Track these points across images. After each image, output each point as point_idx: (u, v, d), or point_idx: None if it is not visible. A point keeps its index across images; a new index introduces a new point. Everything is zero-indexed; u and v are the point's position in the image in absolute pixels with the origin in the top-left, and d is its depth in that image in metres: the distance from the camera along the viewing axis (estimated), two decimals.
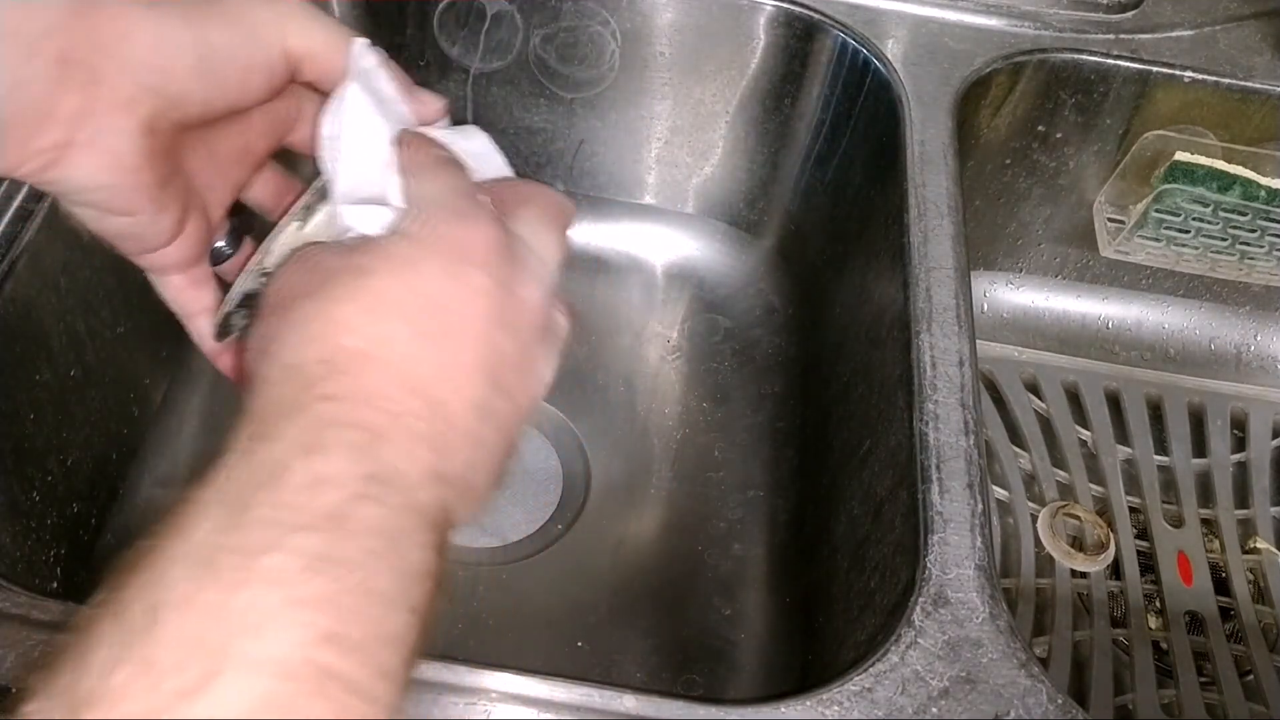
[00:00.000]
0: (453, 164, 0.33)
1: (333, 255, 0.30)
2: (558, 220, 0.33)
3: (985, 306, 0.76)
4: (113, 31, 0.30)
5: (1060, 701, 0.41)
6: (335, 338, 0.28)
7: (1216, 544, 0.68)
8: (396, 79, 0.35)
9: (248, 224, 0.38)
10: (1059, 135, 0.67)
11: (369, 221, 0.31)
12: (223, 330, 0.36)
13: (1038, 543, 0.66)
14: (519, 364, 0.30)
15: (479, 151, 0.36)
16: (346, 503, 0.25)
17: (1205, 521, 0.69)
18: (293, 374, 0.27)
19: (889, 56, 0.62)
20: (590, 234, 0.75)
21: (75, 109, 0.29)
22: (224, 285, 0.36)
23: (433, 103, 0.36)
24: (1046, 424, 0.72)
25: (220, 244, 0.37)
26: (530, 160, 0.73)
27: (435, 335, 0.28)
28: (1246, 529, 0.69)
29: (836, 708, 0.39)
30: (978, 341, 0.52)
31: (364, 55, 0.34)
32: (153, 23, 0.30)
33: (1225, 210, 0.64)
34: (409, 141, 0.33)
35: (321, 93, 0.35)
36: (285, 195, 0.39)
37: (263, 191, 0.38)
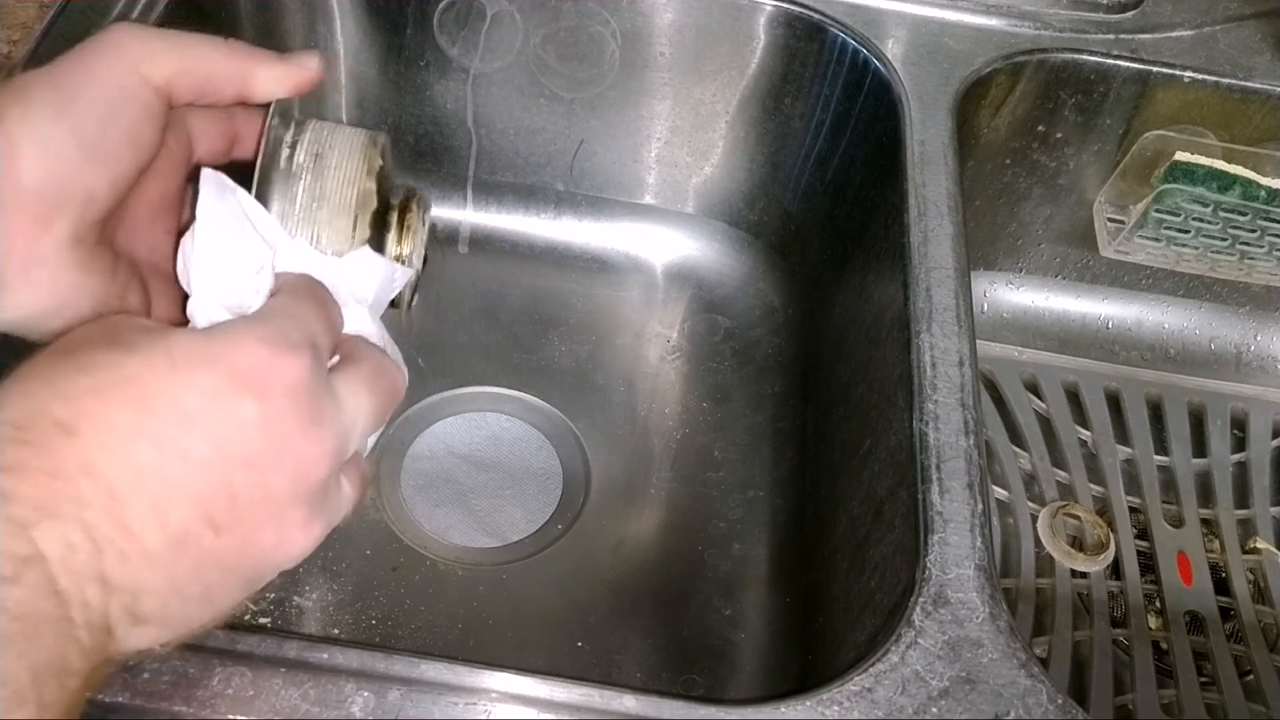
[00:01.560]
0: (315, 300, 0.31)
1: (126, 328, 0.29)
2: (384, 391, 0.32)
3: (985, 306, 0.76)
4: None
5: (1060, 701, 0.41)
6: (47, 403, 0.26)
7: (1216, 544, 0.68)
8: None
9: None
10: (1059, 135, 0.67)
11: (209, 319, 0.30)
12: None
13: (1038, 543, 0.66)
14: (255, 514, 0.27)
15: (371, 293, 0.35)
16: None
17: (1205, 521, 0.69)
18: None
19: (889, 56, 0.62)
20: (590, 234, 0.75)
21: None
22: None
23: (309, 60, 0.35)
24: (1046, 424, 0.72)
25: None
26: (530, 160, 0.73)
27: (161, 444, 0.26)
28: (1246, 529, 0.69)
29: (836, 708, 0.39)
30: (978, 341, 0.52)
31: (224, 186, 0.33)
32: (28, 130, 0.29)
33: (1225, 210, 0.64)
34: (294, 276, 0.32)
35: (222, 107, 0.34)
36: None
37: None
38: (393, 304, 0.38)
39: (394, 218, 0.37)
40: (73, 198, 0.30)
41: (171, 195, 0.35)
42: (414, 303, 0.39)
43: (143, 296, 0.34)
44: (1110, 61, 0.64)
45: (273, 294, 0.32)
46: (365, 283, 0.35)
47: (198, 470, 0.26)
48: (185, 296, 0.32)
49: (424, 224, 0.37)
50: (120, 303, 0.33)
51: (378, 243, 0.36)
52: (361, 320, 0.35)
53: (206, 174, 0.32)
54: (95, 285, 0.31)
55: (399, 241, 0.37)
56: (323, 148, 0.35)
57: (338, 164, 0.35)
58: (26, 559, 0.24)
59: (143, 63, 0.31)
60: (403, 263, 0.37)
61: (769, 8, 0.64)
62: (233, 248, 0.32)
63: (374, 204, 0.35)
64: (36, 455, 0.25)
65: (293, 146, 0.35)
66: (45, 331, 0.31)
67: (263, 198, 0.34)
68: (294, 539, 0.29)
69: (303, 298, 0.31)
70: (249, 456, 0.27)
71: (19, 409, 0.26)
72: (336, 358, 0.32)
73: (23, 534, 0.24)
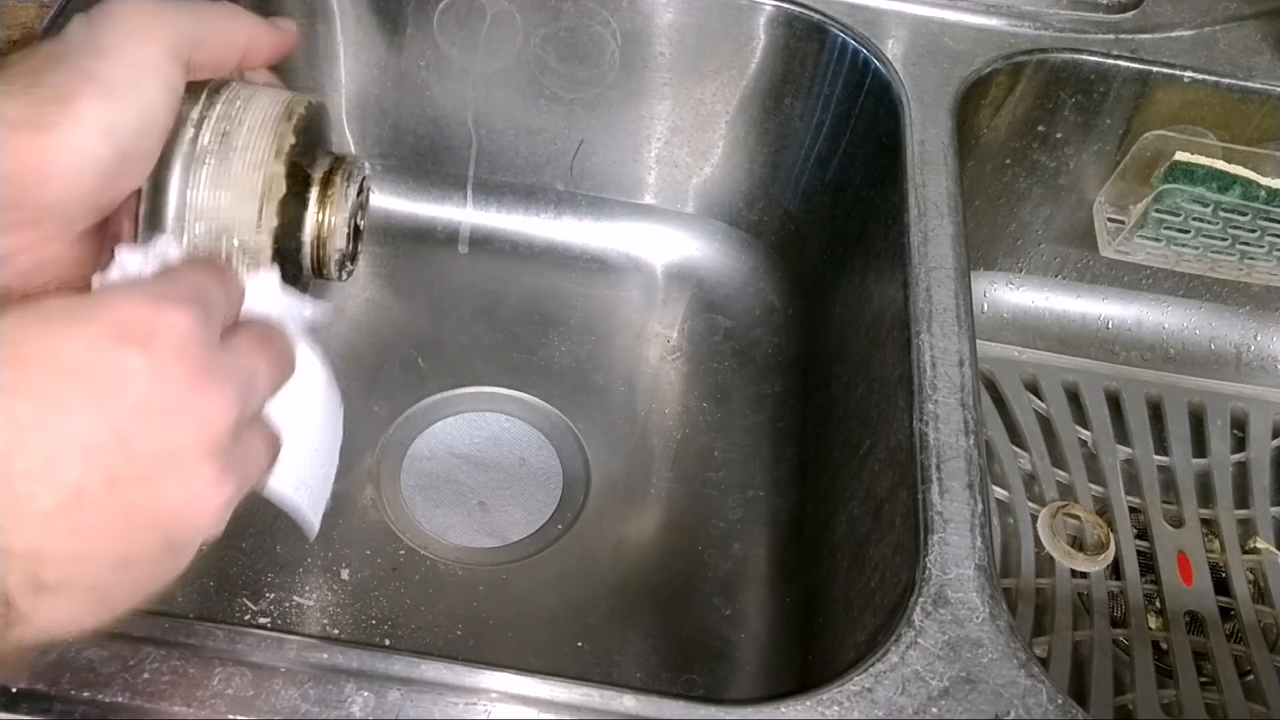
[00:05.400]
0: (207, 266, 0.31)
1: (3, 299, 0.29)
2: (276, 354, 0.32)
3: (985, 306, 0.76)
4: (29, 175, 0.28)
5: (1060, 701, 0.41)
6: None
7: (1216, 544, 0.68)
8: None
9: None
10: (1059, 135, 0.67)
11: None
12: None
13: (1038, 543, 0.66)
14: (158, 468, 0.26)
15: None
16: None
17: (1205, 521, 0.69)
18: None
19: (889, 56, 0.62)
20: (590, 234, 0.75)
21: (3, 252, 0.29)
22: None
23: (287, 24, 0.35)
24: (1046, 424, 0.72)
25: None
26: (530, 160, 0.73)
27: (39, 398, 0.25)
28: (1246, 529, 0.69)
29: (836, 708, 0.39)
30: (978, 341, 0.52)
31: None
32: (69, 151, 0.28)
33: (1225, 210, 0.64)
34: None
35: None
36: None
37: None
38: (322, 275, 0.37)
39: (314, 193, 0.35)
40: (97, 207, 0.30)
41: None
42: (346, 276, 0.37)
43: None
44: (1110, 61, 0.64)
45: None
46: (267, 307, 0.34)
47: (83, 422, 0.25)
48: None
49: (349, 196, 0.36)
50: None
51: (295, 221, 0.34)
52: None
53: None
54: (88, 270, 0.31)
55: (319, 215, 0.35)
56: (231, 125, 0.33)
57: (244, 144, 0.33)
58: None
59: (175, 47, 0.31)
60: (324, 236, 0.35)
61: (769, 8, 0.64)
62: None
63: (282, 189, 0.33)
64: None
65: (199, 125, 0.33)
66: None
67: (161, 183, 0.32)
68: (205, 497, 0.28)
69: (195, 263, 0.31)
70: (140, 407, 0.26)
71: None
72: None
73: None
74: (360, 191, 0.37)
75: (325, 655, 0.38)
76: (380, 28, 0.68)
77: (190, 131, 0.32)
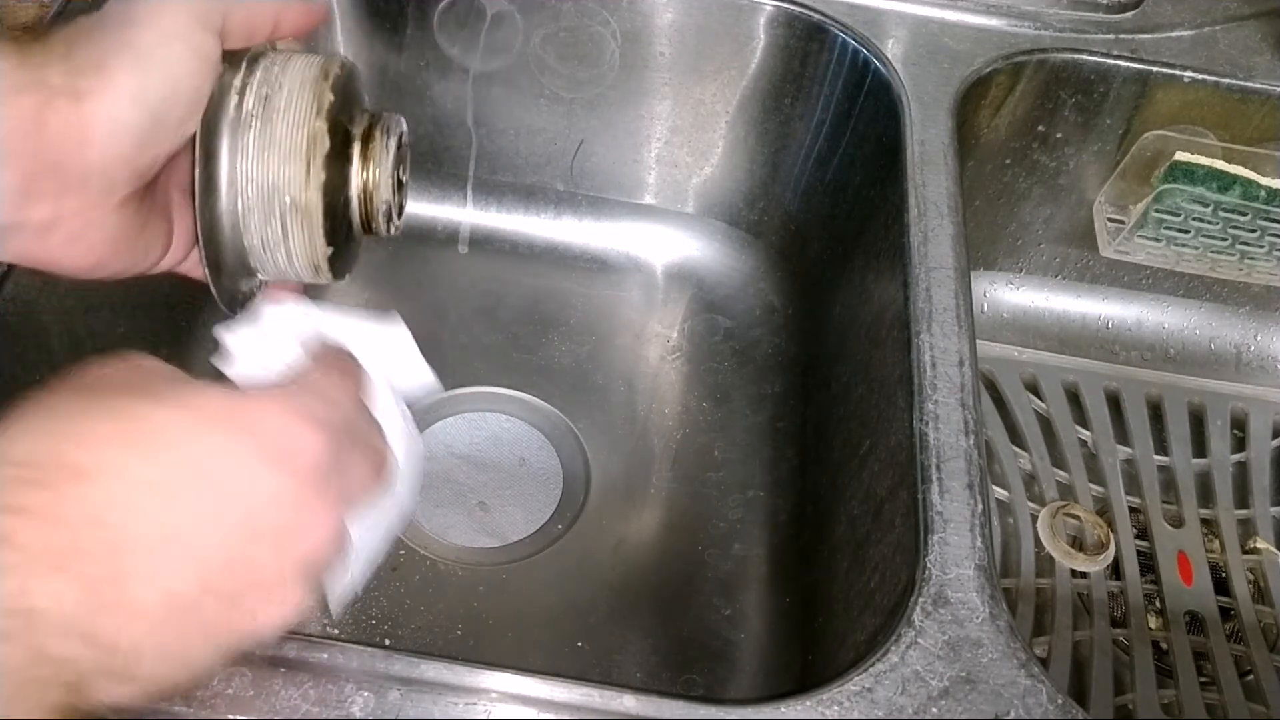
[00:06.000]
0: (346, 376, 0.33)
1: (155, 376, 0.29)
2: (386, 476, 0.33)
3: (985, 306, 0.76)
4: (71, 140, 0.29)
5: (1060, 701, 0.41)
6: (62, 444, 0.25)
7: (1216, 544, 0.68)
8: None
9: None
10: (1059, 135, 0.67)
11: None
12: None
13: (1038, 543, 0.66)
14: (251, 589, 0.27)
15: (398, 352, 0.37)
16: None
17: (1205, 521, 0.69)
18: None
19: (889, 56, 0.62)
20: (590, 234, 0.75)
21: (46, 218, 0.30)
22: None
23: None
24: (1046, 424, 0.72)
25: None
26: (530, 160, 0.73)
27: (174, 502, 0.25)
28: (1246, 529, 0.69)
29: (836, 708, 0.39)
30: (978, 341, 0.52)
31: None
32: (106, 117, 0.30)
33: (1225, 210, 0.64)
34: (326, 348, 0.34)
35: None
36: None
37: None
38: (371, 232, 0.38)
39: (356, 149, 0.36)
40: (136, 171, 0.31)
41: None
42: (395, 231, 0.39)
43: (166, 238, 0.35)
44: (1110, 61, 0.64)
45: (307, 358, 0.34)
46: (387, 357, 0.37)
47: (206, 534, 0.26)
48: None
49: (390, 150, 0.37)
50: (148, 251, 0.34)
51: (341, 177, 0.36)
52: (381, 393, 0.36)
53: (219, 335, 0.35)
54: (134, 240, 0.33)
55: (363, 171, 0.36)
56: (271, 89, 0.34)
57: (286, 105, 0.34)
58: (20, 613, 0.23)
59: (205, 16, 0.32)
60: (370, 189, 0.36)
61: (769, 8, 0.64)
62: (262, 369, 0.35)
63: (326, 144, 0.34)
64: (44, 499, 0.24)
65: (241, 92, 0.34)
66: (84, 279, 0.33)
67: (211, 151, 0.33)
68: (281, 614, 0.28)
69: (334, 373, 0.32)
70: (258, 530, 0.27)
71: (32, 447, 0.25)
72: None
73: (20, 584, 0.23)
74: (400, 145, 0.38)
75: (325, 655, 0.38)
76: (380, 28, 0.68)
77: (234, 99, 0.34)
